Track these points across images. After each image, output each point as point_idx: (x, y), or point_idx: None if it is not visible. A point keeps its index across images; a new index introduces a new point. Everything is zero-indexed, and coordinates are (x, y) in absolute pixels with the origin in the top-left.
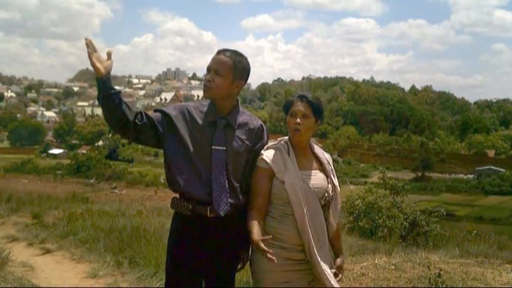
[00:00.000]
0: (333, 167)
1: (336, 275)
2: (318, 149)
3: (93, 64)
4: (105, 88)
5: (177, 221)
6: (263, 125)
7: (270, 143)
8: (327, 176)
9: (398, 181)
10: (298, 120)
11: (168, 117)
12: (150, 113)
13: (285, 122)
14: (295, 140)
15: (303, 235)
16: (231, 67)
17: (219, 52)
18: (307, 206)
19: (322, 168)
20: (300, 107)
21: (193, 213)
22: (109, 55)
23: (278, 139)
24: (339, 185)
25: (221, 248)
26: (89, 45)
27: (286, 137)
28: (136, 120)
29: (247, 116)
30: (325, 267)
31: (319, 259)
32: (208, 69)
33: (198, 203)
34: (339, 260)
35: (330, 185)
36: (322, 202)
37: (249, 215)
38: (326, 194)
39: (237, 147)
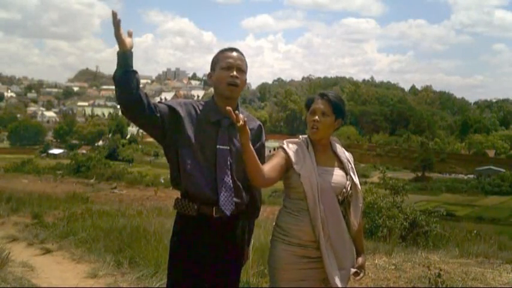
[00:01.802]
0: (353, 166)
1: (356, 274)
2: (338, 148)
3: (118, 35)
4: (127, 64)
5: (180, 222)
6: (261, 125)
7: (290, 138)
8: (347, 173)
9: (398, 181)
10: (317, 117)
11: (175, 114)
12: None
13: (284, 122)
14: (313, 138)
15: (315, 231)
16: (246, 63)
17: (233, 50)
18: (322, 201)
19: (342, 166)
20: (319, 104)
21: (199, 214)
22: (130, 34)
23: (300, 136)
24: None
25: (225, 248)
26: (115, 16)
27: (306, 135)
28: (152, 106)
29: (247, 117)
30: (334, 265)
31: (327, 256)
32: (231, 66)
33: (204, 203)
34: (360, 259)
35: (348, 182)
36: (340, 198)
37: None
38: (344, 190)
39: (240, 147)
